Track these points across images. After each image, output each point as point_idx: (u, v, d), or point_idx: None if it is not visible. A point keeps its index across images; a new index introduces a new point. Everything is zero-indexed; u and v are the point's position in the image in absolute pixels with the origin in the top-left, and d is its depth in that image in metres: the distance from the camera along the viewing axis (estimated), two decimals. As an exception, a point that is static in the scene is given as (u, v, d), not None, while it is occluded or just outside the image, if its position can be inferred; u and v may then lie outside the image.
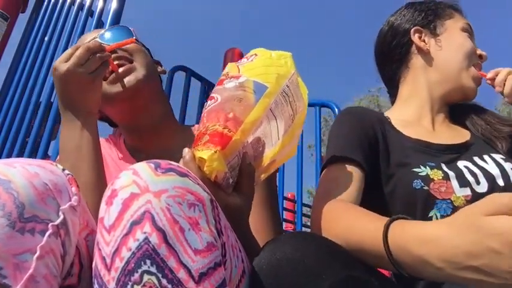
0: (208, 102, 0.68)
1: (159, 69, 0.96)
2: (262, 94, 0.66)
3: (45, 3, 2.21)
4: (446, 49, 0.98)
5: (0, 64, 2.21)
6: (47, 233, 0.49)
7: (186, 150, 0.64)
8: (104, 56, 0.77)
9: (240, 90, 0.66)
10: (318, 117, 2.33)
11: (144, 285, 0.45)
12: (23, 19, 2.30)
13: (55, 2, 2.17)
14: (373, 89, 16.37)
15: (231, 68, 0.72)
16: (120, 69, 0.83)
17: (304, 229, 2.62)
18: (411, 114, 0.98)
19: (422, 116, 0.97)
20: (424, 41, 1.00)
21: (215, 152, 0.60)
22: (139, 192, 0.48)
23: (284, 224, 4.11)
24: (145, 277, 0.45)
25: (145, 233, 0.46)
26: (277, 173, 2.92)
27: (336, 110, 2.28)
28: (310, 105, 2.36)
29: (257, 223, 0.83)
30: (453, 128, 0.96)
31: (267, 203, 0.87)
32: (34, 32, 2.15)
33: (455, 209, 0.76)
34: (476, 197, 0.76)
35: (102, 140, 0.94)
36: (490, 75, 0.97)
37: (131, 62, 0.85)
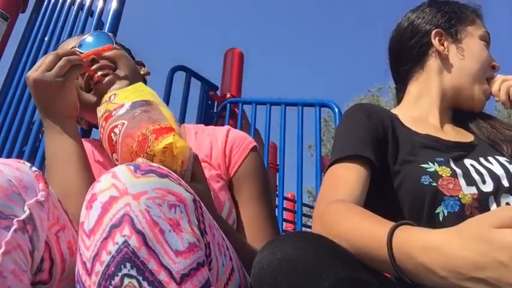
0: (115, 130, 0.67)
1: (143, 71, 0.95)
2: (151, 103, 0.71)
3: (45, 3, 2.21)
4: (465, 57, 0.98)
5: (0, 64, 2.21)
6: (12, 228, 0.49)
7: (139, 160, 0.63)
8: (72, 59, 0.76)
9: (137, 108, 0.69)
10: (318, 117, 2.33)
11: None
12: (23, 19, 2.30)
13: (55, 2, 2.17)
14: (373, 89, 16.35)
15: (106, 106, 0.74)
16: (104, 80, 0.82)
17: (304, 229, 2.62)
18: (419, 113, 0.97)
19: (430, 115, 0.97)
20: (443, 44, 0.99)
21: (174, 135, 0.63)
22: (119, 195, 0.48)
23: (284, 224, 4.11)
24: (126, 280, 0.45)
25: (124, 236, 0.46)
26: (277, 173, 2.93)
27: (336, 110, 2.28)
28: (309, 105, 2.37)
29: (248, 220, 0.83)
30: (458, 129, 0.97)
31: (258, 199, 0.86)
32: (34, 32, 2.15)
33: (462, 206, 0.76)
34: (482, 195, 0.77)
35: (93, 140, 0.94)
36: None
37: (114, 69, 0.84)
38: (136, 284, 0.45)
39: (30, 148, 1.77)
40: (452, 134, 0.93)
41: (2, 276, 0.47)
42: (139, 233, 0.46)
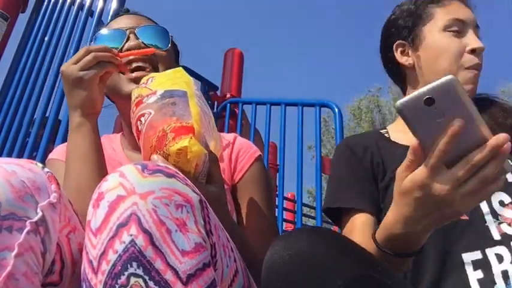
0: (142, 119, 0.68)
1: None
2: (185, 96, 0.69)
3: (45, 3, 2.21)
4: (428, 60, 0.94)
5: (0, 64, 2.22)
6: (25, 230, 0.48)
7: (154, 157, 0.63)
8: (99, 55, 0.75)
9: (165, 99, 0.68)
10: (318, 117, 2.33)
11: (131, 287, 0.45)
12: (23, 19, 2.30)
13: (55, 2, 2.17)
14: (373, 89, 16.36)
15: (139, 90, 0.73)
16: (137, 73, 0.82)
17: (304, 229, 2.61)
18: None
19: None
20: (407, 54, 0.97)
21: (191, 138, 0.62)
22: (126, 194, 0.48)
23: (284, 224, 4.11)
24: (132, 279, 0.45)
25: (131, 235, 0.46)
26: (277, 173, 2.93)
27: (336, 110, 2.28)
28: (309, 105, 2.37)
29: (250, 225, 0.84)
30: None
31: (261, 202, 0.87)
32: (34, 32, 2.15)
33: None
34: None
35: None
36: None
37: (155, 66, 0.85)
38: (142, 284, 0.45)
39: (30, 148, 1.77)
40: None
41: (14, 279, 0.46)
42: (146, 233, 0.46)
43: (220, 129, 2.78)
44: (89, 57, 0.74)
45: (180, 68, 0.77)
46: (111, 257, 0.46)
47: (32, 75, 2.00)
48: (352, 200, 0.86)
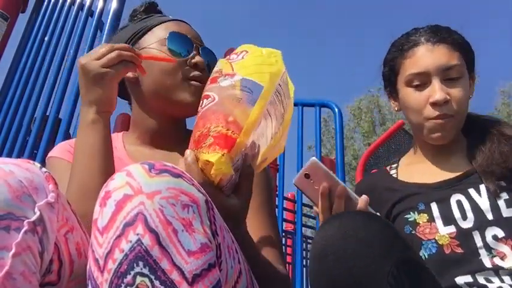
0: (205, 101, 0.67)
1: None
2: (258, 93, 0.66)
3: (45, 3, 2.21)
4: (404, 111, 0.99)
5: (0, 64, 2.22)
6: (23, 230, 0.48)
7: (188, 152, 0.63)
8: (124, 54, 0.74)
9: (237, 90, 0.66)
10: (318, 117, 2.32)
11: (137, 287, 0.45)
12: (23, 19, 2.30)
13: (55, 2, 2.17)
14: (373, 89, 16.35)
15: (223, 65, 0.72)
16: (196, 83, 0.84)
17: (304, 229, 2.62)
18: (413, 159, 1.02)
19: (422, 160, 1.00)
20: (395, 100, 1.01)
21: (222, 155, 0.60)
22: (133, 193, 0.48)
23: (284, 224, 4.11)
24: (138, 279, 0.45)
25: (137, 234, 0.46)
26: (277, 173, 2.93)
27: (336, 110, 2.28)
28: (309, 105, 2.36)
29: (254, 229, 0.83)
30: (456, 162, 0.94)
31: (264, 209, 0.87)
32: (34, 32, 2.15)
33: (440, 247, 0.83)
34: (461, 232, 0.82)
35: None
36: None
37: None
38: (148, 283, 0.45)
39: (30, 147, 1.77)
40: (447, 169, 0.93)
41: (12, 278, 0.46)
42: (153, 232, 0.47)
43: (220, 129, 2.78)
44: (113, 54, 0.73)
45: (279, 52, 0.75)
46: (118, 256, 0.46)
47: (32, 75, 2.00)
48: None
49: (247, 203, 0.68)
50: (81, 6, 2.03)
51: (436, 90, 0.89)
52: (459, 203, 0.86)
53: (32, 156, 1.74)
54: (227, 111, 0.64)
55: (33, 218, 0.50)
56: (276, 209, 2.82)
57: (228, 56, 0.74)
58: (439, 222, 0.85)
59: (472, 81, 0.97)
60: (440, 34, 0.94)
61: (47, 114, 1.81)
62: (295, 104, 2.44)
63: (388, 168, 1.05)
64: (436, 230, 0.84)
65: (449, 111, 0.89)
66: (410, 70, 0.93)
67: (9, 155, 1.81)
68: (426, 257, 0.84)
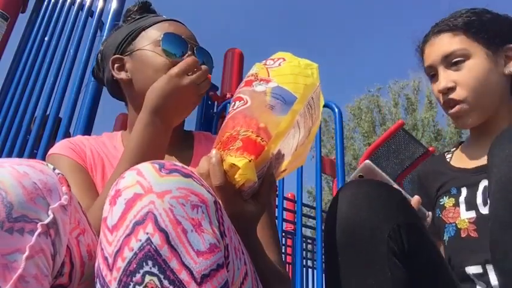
0: (237, 102, 0.67)
1: None
2: (291, 103, 0.66)
3: (45, 3, 2.21)
4: None
5: (0, 64, 2.21)
6: (36, 233, 0.48)
7: (213, 152, 0.63)
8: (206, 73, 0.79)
9: (270, 97, 0.66)
10: (318, 117, 2.33)
11: (145, 286, 0.45)
12: (23, 19, 2.30)
13: (55, 2, 2.17)
14: (373, 89, 16.35)
15: (259, 69, 0.72)
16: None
17: (304, 229, 2.61)
18: (468, 145, 1.03)
19: (471, 144, 1.01)
20: None
21: (250, 161, 0.60)
22: (143, 192, 0.49)
23: (284, 224, 4.11)
24: (147, 278, 0.45)
25: (147, 233, 0.46)
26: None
27: (336, 110, 2.28)
28: (310, 105, 2.37)
29: (257, 229, 0.84)
30: None
31: (271, 222, 0.88)
32: (34, 32, 2.15)
33: (458, 231, 0.86)
34: (480, 218, 0.84)
35: (96, 137, 0.95)
36: None
37: None
38: (157, 282, 0.45)
39: (30, 148, 1.77)
40: (483, 154, 0.90)
41: (25, 281, 0.46)
42: (163, 231, 0.47)
43: (220, 129, 2.78)
44: (202, 74, 0.77)
45: (316, 65, 0.76)
46: (127, 254, 0.46)
47: (32, 75, 2.00)
48: None
49: (263, 211, 0.68)
50: (81, 6, 2.03)
51: (439, 80, 0.93)
52: (485, 189, 0.86)
53: (32, 156, 1.74)
54: (259, 117, 0.64)
55: (47, 220, 0.50)
56: (276, 209, 2.82)
57: (264, 61, 0.75)
58: (462, 207, 0.87)
59: (506, 55, 0.90)
60: (441, 24, 0.95)
61: (47, 114, 1.81)
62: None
63: (446, 152, 1.07)
64: (459, 215, 0.87)
65: (457, 97, 0.89)
66: (425, 63, 1.00)
67: (9, 155, 1.81)
68: (447, 239, 0.88)
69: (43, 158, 1.62)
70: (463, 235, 0.85)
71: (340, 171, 2.17)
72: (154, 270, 0.45)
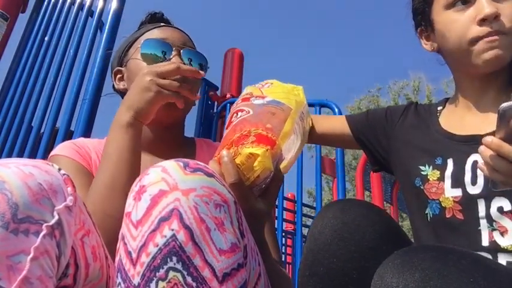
0: (239, 113, 0.73)
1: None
2: (288, 112, 0.73)
3: (45, 3, 2.21)
4: (441, 44, 0.90)
5: (0, 64, 2.21)
6: (41, 234, 0.48)
7: (224, 152, 0.64)
8: (182, 88, 0.77)
9: (270, 106, 0.72)
10: (318, 117, 2.33)
11: (169, 281, 0.46)
12: (23, 19, 2.30)
13: (55, 2, 2.17)
14: (372, 89, 16.36)
15: (252, 89, 0.80)
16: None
17: (304, 229, 2.61)
18: (460, 99, 0.91)
19: (460, 103, 0.90)
20: (430, 39, 0.93)
21: (267, 150, 0.63)
22: (169, 189, 0.49)
23: (284, 224, 4.11)
24: (171, 274, 0.46)
25: (172, 230, 0.47)
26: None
27: (336, 110, 2.28)
28: (309, 105, 2.36)
29: None
30: (492, 115, 0.81)
31: (271, 228, 0.90)
32: (34, 32, 2.15)
33: (442, 209, 0.78)
34: (466, 197, 0.76)
35: (100, 141, 0.94)
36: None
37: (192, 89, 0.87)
38: (180, 278, 0.46)
39: (30, 148, 1.77)
40: (479, 120, 0.84)
41: (29, 283, 0.46)
42: (187, 229, 0.47)
43: (220, 129, 2.78)
44: (174, 84, 0.75)
45: (301, 87, 0.84)
46: (152, 249, 0.47)
47: (32, 75, 2.00)
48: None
49: (271, 209, 0.70)
50: (81, 6, 2.03)
51: (484, 5, 0.79)
52: (474, 164, 0.77)
53: (32, 155, 1.74)
54: (264, 120, 0.69)
55: (52, 221, 0.49)
56: (276, 209, 2.82)
57: (254, 85, 0.82)
58: (447, 182, 0.79)
59: None
60: None
61: (47, 114, 1.81)
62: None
63: (437, 105, 0.97)
64: (442, 191, 0.79)
65: (501, 28, 0.78)
66: None
67: (10, 155, 1.81)
68: (431, 216, 0.80)
69: (43, 157, 1.62)
70: (447, 215, 0.77)
71: (340, 171, 2.17)
72: (178, 266, 0.46)
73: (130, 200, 0.52)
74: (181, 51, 0.89)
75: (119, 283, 0.50)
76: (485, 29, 0.79)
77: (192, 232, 0.47)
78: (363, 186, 3.79)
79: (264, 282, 0.63)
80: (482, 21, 0.79)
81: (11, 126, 1.91)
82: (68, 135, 1.61)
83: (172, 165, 0.52)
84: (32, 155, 1.74)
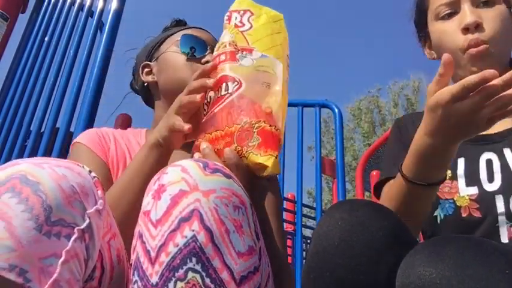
0: (229, 84, 0.64)
1: None
2: (279, 72, 0.66)
3: (45, 3, 2.21)
4: (437, 50, 0.91)
5: (0, 64, 2.21)
6: (73, 238, 0.48)
7: (227, 151, 0.62)
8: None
9: (262, 72, 0.65)
10: (318, 117, 2.32)
11: (187, 282, 0.46)
12: (23, 19, 2.30)
13: (55, 2, 2.17)
14: (372, 90, 16.36)
15: (235, 34, 0.68)
16: None
17: (304, 230, 2.61)
18: None
19: None
20: (431, 47, 0.96)
21: (276, 157, 0.61)
22: (189, 189, 0.49)
23: (284, 225, 4.11)
24: (190, 274, 0.46)
25: (193, 230, 0.47)
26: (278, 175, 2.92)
27: (336, 110, 2.28)
28: (309, 105, 2.36)
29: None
30: None
31: (278, 213, 0.91)
32: (34, 32, 2.15)
33: (457, 208, 0.76)
34: (484, 195, 0.75)
35: (122, 132, 0.97)
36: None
37: None
38: (199, 280, 0.46)
39: (30, 148, 1.77)
40: None
41: (58, 286, 0.46)
42: (208, 230, 0.47)
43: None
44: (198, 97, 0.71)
45: (282, 16, 0.74)
46: (171, 249, 0.47)
47: (32, 76, 2.00)
48: (392, 169, 0.83)
49: (268, 185, 0.73)
50: (81, 6, 2.03)
51: (466, 14, 0.82)
52: (489, 162, 0.78)
53: (32, 155, 1.74)
54: (261, 101, 0.63)
55: (83, 225, 0.49)
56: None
57: (233, 20, 0.71)
58: (461, 181, 0.79)
59: None
60: None
61: (47, 114, 1.81)
62: (295, 105, 2.45)
63: None
64: (457, 190, 0.78)
65: (482, 37, 0.80)
66: (438, 1, 0.87)
67: (9, 155, 1.81)
68: (442, 217, 0.79)
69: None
70: (464, 214, 0.76)
71: (340, 171, 2.17)
72: (198, 267, 0.46)
73: (149, 199, 0.51)
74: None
75: (135, 281, 0.49)
76: (468, 38, 0.81)
77: (212, 234, 0.47)
78: (363, 186, 3.79)
79: (271, 284, 0.63)
80: (465, 30, 0.82)
81: (11, 126, 1.91)
82: (68, 136, 1.61)
83: (191, 165, 0.52)
84: (32, 155, 1.74)
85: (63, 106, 1.74)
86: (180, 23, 1.09)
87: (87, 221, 0.49)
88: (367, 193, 4.36)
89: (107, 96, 1.64)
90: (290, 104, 2.42)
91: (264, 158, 0.60)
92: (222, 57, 0.67)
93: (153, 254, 0.48)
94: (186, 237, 0.47)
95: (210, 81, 0.68)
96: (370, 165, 3.56)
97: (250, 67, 0.65)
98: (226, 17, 0.74)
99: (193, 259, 0.46)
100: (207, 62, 0.88)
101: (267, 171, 0.61)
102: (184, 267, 0.46)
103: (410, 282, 0.47)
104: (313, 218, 4.86)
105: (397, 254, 0.52)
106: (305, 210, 4.85)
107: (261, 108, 0.63)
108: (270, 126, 0.62)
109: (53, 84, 1.87)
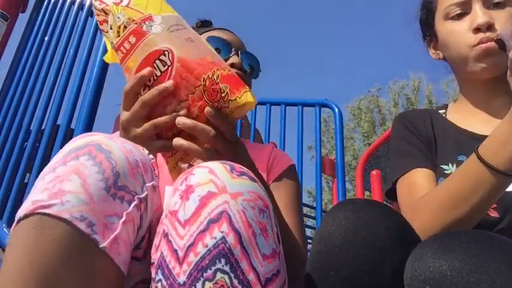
0: (163, 58, 0.63)
1: None
2: (185, 24, 0.68)
3: (45, 2, 2.21)
4: (445, 53, 0.93)
5: (0, 64, 2.21)
6: (133, 204, 0.52)
7: (209, 109, 0.63)
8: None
9: (176, 31, 0.65)
10: (318, 117, 2.33)
11: (216, 282, 0.47)
12: (23, 19, 2.30)
13: (55, 1, 2.17)
14: (372, 89, 16.36)
15: (125, 12, 0.66)
16: None
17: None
18: (467, 105, 0.92)
19: (478, 105, 0.90)
20: (437, 47, 0.96)
21: (249, 91, 0.63)
22: (217, 191, 0.50)
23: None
24: (218, 275, 0.47)
25: (222, 232, 0.48)
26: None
27: (336, 110, 2.28)
28: (309, 105, 2.37)
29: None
30: None
31: (291, 207, 0.91)
32: (34, 32, 2.15)
33: None
34: (502, 195, 0.73)
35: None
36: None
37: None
38: (227, 280, 0.47)
39: (30, 148, 1.77)
40: (500, 117, 0.83)
41: (117, 243, 0.50)
42: (236, 232, 0.49)
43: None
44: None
45: None
46: (200, 250, 0.48)
47: (32, 75, 2.00)
48: (410, 163, 0.83)
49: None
50: (81, 6, 2.03)
51: (478, 14, 0.83)
52: None
53: (32, 155, 1.74)
54: (200, 54, 0.64)
55: (142, 195, 0.54)
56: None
57: (112, 2, 0.68)
58: None
59: None
60: None
61: (48, 113, 1.81)
62: (295, 104, 2.45)
63: (437, 109, 0.99)
64: None
65: (494, 37, 0.81)
66: (448, 1, 0.88)
67: (9, 155, 1.81)
68: None
69: (43, 156, 1.62)
70: None
71: (340, 171, 2.17)
72: (226, 268, 0.47)
73: (176, 199, 0.53)
74: (239, 52, 0.97)
75: (159, 279, 0.50)
76: (478, 37, 0.82)
77: (241, 236, 0.49)
78: (363, 186, 3.79)
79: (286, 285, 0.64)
80: (477, 30, 0.83)
81: (11, 126, 1.91)
82: (69, 135, 1.61)
83: (219, 168, 0.53)
84: (33, 152, 1.74)
85: (63, 105, 1.74)
86: (206, 24, 1.10)
87: (146, 192, 0.54)
88: (367, 193, 4.36)
89: (107, 96, 1.64)
90: (290, 104, 2.42)
91: (244, 98, 0.62)
92: (132, 38, 0.64)
93: (180, 254, 0.49)
94: (215, 238, 0.48)
95: (164, 86, 0.67)
96: (370, 164, 3.56)
97: (163, 32, 0.64)
98: (98, 3, 0.71)
99: (222, 260, 0.47)
100: (232, 64, 0.92)
101: (250, 106, 0.63)
102: (213, 268, 0.47)
103: (420, 274, 0.47)
104: (313, 218, 4.86)
105: (402, 254, 0.53)
106: (305, 210, 4.85)
107: (204, 60, 0.64)
108: (224, 70, 0.63)
109: (53, 83, 1.88)
